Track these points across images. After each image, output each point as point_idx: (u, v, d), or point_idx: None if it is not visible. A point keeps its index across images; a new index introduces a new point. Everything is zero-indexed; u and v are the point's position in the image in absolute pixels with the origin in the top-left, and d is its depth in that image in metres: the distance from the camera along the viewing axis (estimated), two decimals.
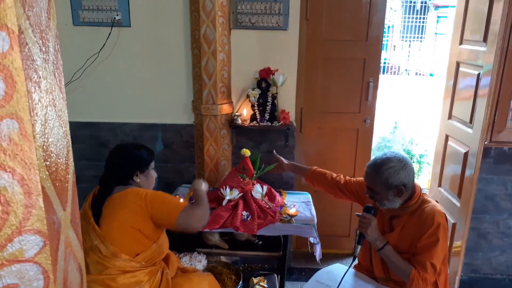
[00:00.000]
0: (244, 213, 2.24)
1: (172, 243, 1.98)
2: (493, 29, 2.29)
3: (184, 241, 2.33)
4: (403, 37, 15.02)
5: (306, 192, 2.63)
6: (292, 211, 2.27)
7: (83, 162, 2.83)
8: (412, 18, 14.81)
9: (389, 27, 14.74)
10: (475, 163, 2.42)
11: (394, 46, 15.04)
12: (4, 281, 0.61)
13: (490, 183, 2.80)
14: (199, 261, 2.23)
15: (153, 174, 1.92)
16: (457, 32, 2.71)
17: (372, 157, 1.97)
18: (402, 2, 14.88)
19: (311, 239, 2.26)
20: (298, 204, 2.44)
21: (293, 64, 2.65)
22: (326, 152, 2.94)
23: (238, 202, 2.29)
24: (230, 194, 2.28)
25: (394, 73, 13.76)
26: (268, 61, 2.60)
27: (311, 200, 2.52)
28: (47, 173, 0.66)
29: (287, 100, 2.70)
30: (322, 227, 2.69)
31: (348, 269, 1.78)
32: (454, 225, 2.63)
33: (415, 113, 7.34)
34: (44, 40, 0.67)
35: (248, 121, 2.66)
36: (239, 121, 2.62)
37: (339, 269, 2.08)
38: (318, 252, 2.28)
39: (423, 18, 14.74)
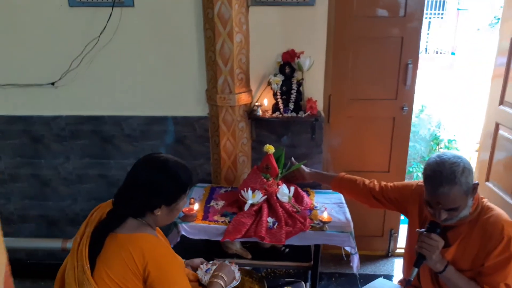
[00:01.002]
0: (270, 219, 1.95)
1: (186, 253, 1.70)
2: None
3: (200, 251, 2.05)
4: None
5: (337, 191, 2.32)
6: (324, 215, 1.97)
7: (86, 159, 2.59)
8: None
9: None
10: None
11: None
12: None
13: None
14: None
15: (180, 206, 1.41)
16: None
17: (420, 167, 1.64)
18: None
19: (348, 249, 1.95)
20: (330, 206, 2.15)
21: (321, 45, 2.32)
22: (357, 145, 2.64)
23: (262, 207, 2.00)
24: (253, 198, 1.99)
25: None
26: (292, 42, 2.29)
27: (344, 201, 2.22)
28: None
29: (314, 87, 2.39)
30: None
31: None
32: None
33: (440, 95, 6.90)
34: None
35: (270, 112, 2.35)
36: (260, 112, 2.32)
37: (383, 285, 1.79)
38: (356, 262, 1.98)
39: None
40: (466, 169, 1.43)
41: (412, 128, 5.74)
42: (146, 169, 1.34)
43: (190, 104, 2.43)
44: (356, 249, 1.94)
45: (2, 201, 2.68)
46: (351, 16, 2.38)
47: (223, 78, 2.23)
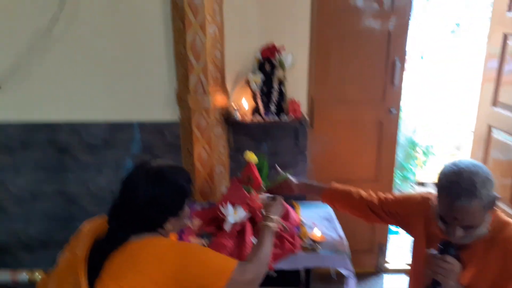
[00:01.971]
0: (254, 239, 1.68)
1: None
2: None
3: None
4: None
5: (324, 203, 2.08)
6: (316, 234, 1.72)
7: (40, 173, 2.30)
8: None
9: None
10: None
11: None
12: None
13: None
14: None
15: (187, 210, 1.29)
16: None
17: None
18: None
19: (343, 271, 1.71)
20: (319, 222, 1.93)
21: (304, 40, 2.14)
22: (341, 152, 2.43)
23: (245, 225, 1.72)
24: (235, 214, 1.71)
25: None
26: (273, 36, 2.09)
27: (334, 215, 1.99)
28: None
29: (296, 88, 2.19)
30: None
31: None
32: None
33: (414, 99, 6.89)
34: None
35: (249, 116, 2.09)
36: (238, 116, 2.05)
37: None
38: (351, 287, 1.73)
39: None
40: (487, 179, 1.24)
41: None
42: (143, 185, 1.18)
43: (158, 106, 2.19)
44: (354, 272, 1.70)
45: None
46: (335, 7, 2.19)
47: (195, 76, 1.99)
